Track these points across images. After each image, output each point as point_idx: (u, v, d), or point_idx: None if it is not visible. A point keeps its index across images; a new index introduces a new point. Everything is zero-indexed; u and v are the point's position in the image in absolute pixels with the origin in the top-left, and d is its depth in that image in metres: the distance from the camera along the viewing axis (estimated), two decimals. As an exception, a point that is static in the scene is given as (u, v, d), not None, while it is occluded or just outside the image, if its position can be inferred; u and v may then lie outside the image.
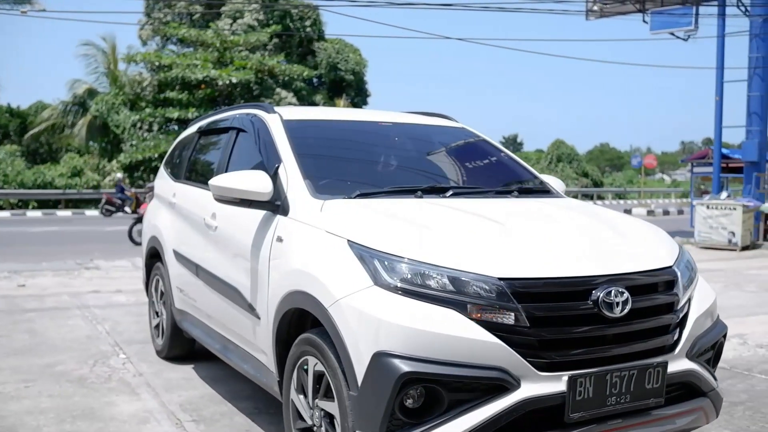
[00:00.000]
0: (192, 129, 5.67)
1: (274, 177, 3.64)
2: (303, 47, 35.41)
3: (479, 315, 2.65)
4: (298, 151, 3.79)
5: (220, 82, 29.85)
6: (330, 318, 2.84)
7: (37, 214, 25.22)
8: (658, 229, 3.52)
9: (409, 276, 2.71)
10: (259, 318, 3.60)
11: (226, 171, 4.33)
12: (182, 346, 5.42)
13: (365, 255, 2.84)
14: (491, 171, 4.43)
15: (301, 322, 3.31)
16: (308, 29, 34.76)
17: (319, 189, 3.50)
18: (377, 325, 2.66)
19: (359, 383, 2.69)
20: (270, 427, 4.12)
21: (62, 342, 6.07)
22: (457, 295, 2.67)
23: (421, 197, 3.52)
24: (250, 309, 3.69)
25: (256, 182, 3.54)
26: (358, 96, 36.47)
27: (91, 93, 33.80)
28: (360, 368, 2.68)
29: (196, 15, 34.72)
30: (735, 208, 15.24)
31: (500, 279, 2.69)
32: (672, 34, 19.30)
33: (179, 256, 4.94)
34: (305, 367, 3.16)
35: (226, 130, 4.79)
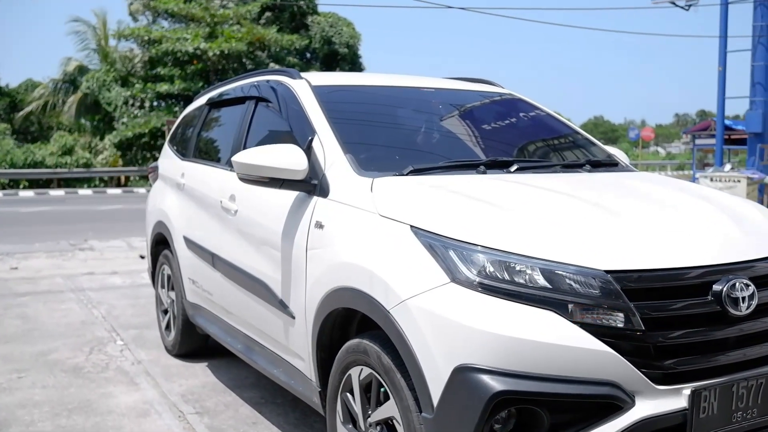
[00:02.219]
0: (200, 101, 5.17)
1: (308, 152, 3.14)
2: (296, 21, 34.88)
3: (582, 317, 2.19)
4: (335, 120, 3.28)
5: (211, 53, 29.35)
6: (393, 323, 2.38)
7: (29, 193, 24.87)
8: (765, 209, 3.05)
9: (495, 270, 2.24)
10: (293, 317, 3.15)
11: (244, 147, 3.85)
12: (195, 342, 4.93)
13: (436, 244, 2.36)
14: (552, 142, 3.96)
15: (347, 323, 2.90)
16: (301, 2, 34.22)
17: (363, 165, 3.00)
18: (458, 331, 2.20)
19: (435, 404, 2.26)
20: (278, 419, 3.88)
21: (56, 328, 5.81)
22: (554, 292, 2.20)
23: (484, 173, 3.02)
24: (282, 306, 3.23)
25: (289, 158, 3.03)
26: (353, 70, 36.00)
27: (82, 70, 33.24)
28: (436, 386, 2.25)
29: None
30: (739, 181, 15.00)
31: (607, 272, 2.22)
32: (673, 3, 18.95)
33: (191, 244, 4.49)
34: (356, 380, 2.72)
35: (241, 100, 4.28)
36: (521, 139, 3.92)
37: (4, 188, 27.53)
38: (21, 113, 35.76)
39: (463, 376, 2.17)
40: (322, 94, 3.51)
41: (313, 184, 3.09)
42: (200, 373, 4.70)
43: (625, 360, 2.18)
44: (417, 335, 2.30)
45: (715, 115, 18.35)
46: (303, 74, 3.77)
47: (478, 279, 2.25)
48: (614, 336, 2.18)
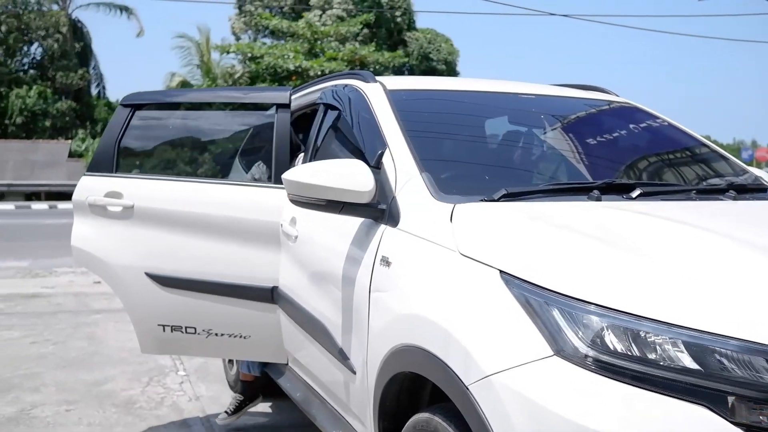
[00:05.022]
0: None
1: (377, 169, 2.58)
2: (393, 38, 34.71)
3: (750, 416, 1.52)
4: (412, 131, 2.70)
5: (312, 73, 29.46)
6: (474, 404, 1.78)
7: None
8: None
9: (617, 340, 1.61)
10: (353, 372, 2.57)
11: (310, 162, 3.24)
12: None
13: (535, 300, 1.75)
14: (679, 160, 3.26)
15: (418, 387, 2.30)
16: (398, 19, 34.02)
17: (444, 186, 2.39)
18: (561, 428, 1.59)
19: None
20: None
21: (119, 353, 5.44)
22: (707, 378, 1.54)
23: (599, 199, 2.35)
24: (342, 357, 2.65)
25: (352, 176, 2.45)
26: (450, 87, 35.49)
27: (185, 85, 34.05)
28: None
29: (286, 7, 34.54)
30: None
31: None
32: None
33: None
34: None
35: (312, 107, 3.74)
36: (642, 156, 3.20)
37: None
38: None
39: None
40: (398, 100, 2.90)
41: (380, 210, 2.47)
42: (261, 415, 4.18)
43: None
44: (504, 426, 1.68)
45: None
46: (379, 78, 3.17)
47: (592, 352, 1.61)
48: None
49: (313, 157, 3.37)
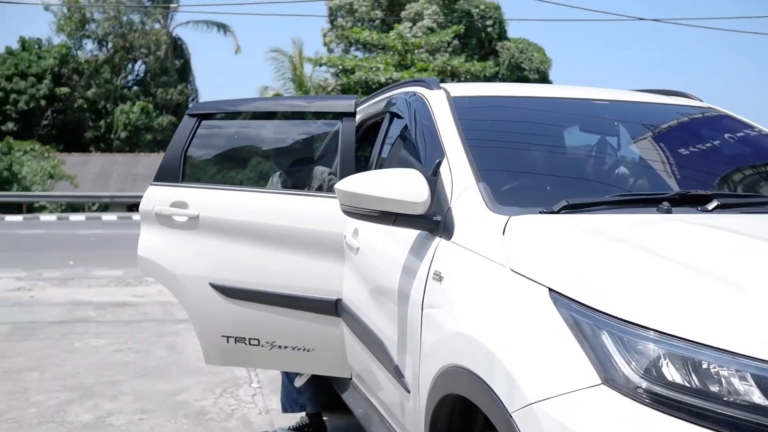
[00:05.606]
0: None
1: (433, 179, 2.46)
2: (485, 48, 34.46)
3: None
4: (472, 140, 2.58)
5: (403, 83, 29.61)
6: None
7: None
8: None
9: (675, 371, 1.45)
10: (408, 391, 2.45)
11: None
12: (327, 392, 4.18)
13: (584, 322, 1.60)
14: None
15: (471, 409, 2.12)
16: (489, 29, 33.74)
17: (501, 198, 2.28)
18: None
19: None
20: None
21: (196, 362, 5.48)
22: None
23: (668, 212, 2.17)
24: (397, 374, 2.55)
25: (406, 186, 2.33)
26: (542, 96, 34.92)
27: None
28: None
29: (377, 21, 34.83)
30: None
31: None
32: None
33: None
34: None
35: (380, 116, 3.68)
36: (725, 166, 2.97)
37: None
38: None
39: None
40: (461, 107, 2.78)
41: (435, 221, 2.36)
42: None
43: None
44: None
45: None
46: (444, 84, 3.06)
47: (644, 383, 1.45)
48: None
49: (377, 168, 3.30)
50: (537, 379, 1.63)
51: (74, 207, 25.73)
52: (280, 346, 3.41)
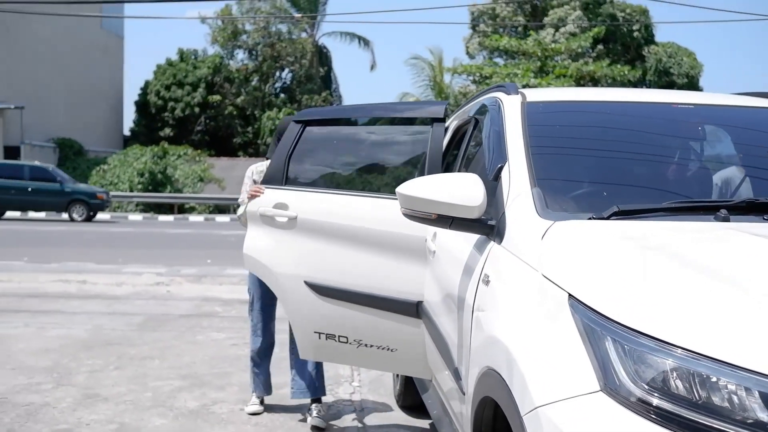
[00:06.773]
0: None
1: (493, 184, 2.51)
2: (630, 52, 33.28)
3: None
4: (536, 144, 2.57)
5: (540, 90, 29.15)
6: None
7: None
8: None
9: (676, 383, 1.41)
10: (463, 393, 2.47)
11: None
12: (416, 395, 4.24)
13: (594, 328, 1.58)
14: None
15: (504, 417, 2.09)
16: (636, 33, 32.56)
17: (555, 203, 2.29)
18: None
19: None
20: None
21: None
22: None
23: (726, 219, 2.08)
24: (456, 377, 2.57)
25: (461, 189, 2.36)
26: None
27: (418, 106, 35.18)
28: None
29: (519, 27, 34.46)
30: None
31: None
32: None
33: None
34: None
35: (466, 123, 3.72)
36: None
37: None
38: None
39: None
40: (532, 112, 2.77)
41: (490, 226, 2.39)
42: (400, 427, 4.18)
43: None
44: None
45: None
46: (524, 89, 3.04)
47: (640, 392, 1.42)
48: None
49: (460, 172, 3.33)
50: (545, 383, 1.63)
51: (221, 209, 27.18)
52: (366, 345, 3.51)
